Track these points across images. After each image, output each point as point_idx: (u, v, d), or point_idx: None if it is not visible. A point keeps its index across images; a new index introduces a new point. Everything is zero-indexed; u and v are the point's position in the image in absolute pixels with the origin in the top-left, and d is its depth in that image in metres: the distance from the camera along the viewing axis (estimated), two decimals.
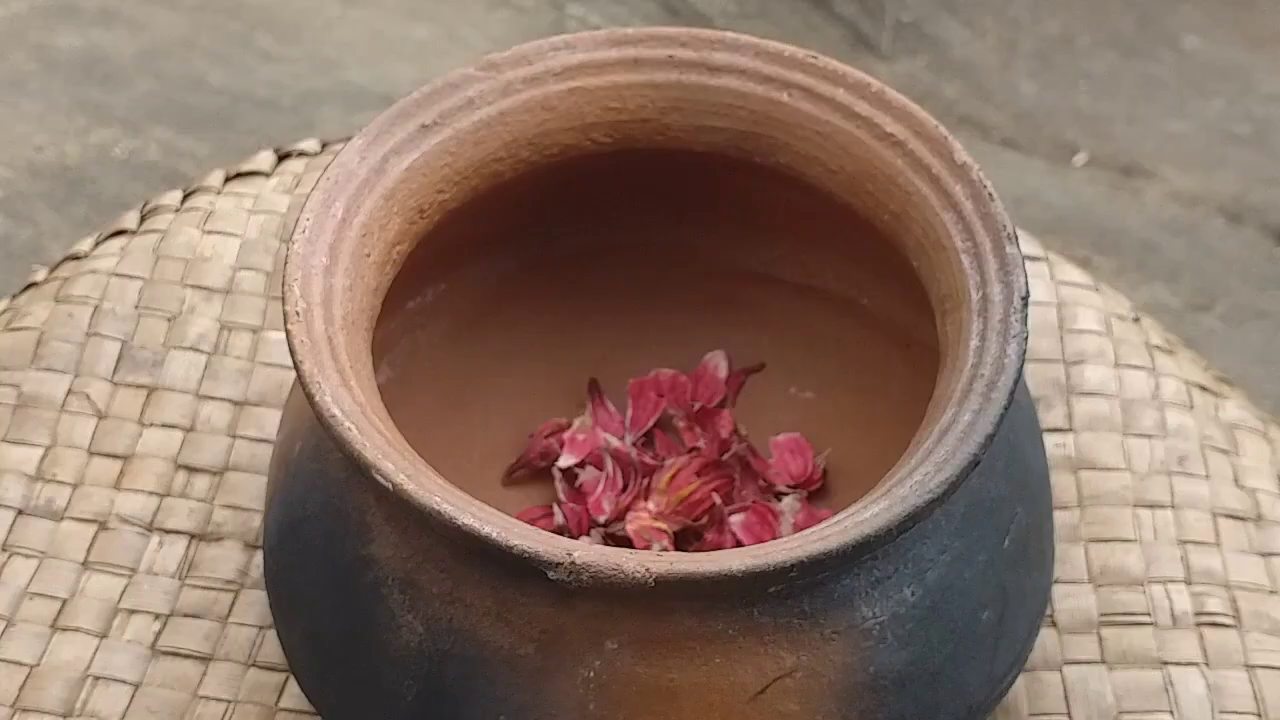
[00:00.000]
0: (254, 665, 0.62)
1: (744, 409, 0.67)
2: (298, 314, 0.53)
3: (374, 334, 0.56)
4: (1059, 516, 0.65)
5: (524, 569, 0.49)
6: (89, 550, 0.64)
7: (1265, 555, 0.66)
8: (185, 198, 0.75)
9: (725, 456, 0.65)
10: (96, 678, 0.61)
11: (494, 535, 0.48)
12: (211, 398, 0.68)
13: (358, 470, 0.50)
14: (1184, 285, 1.30)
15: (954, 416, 0.52)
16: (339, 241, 0.55)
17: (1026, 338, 0.53)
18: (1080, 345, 0.71)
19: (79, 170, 1.28)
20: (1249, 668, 0.63)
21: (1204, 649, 0.63)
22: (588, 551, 0.48)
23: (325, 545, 0.54)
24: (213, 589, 0.63)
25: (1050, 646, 0.63)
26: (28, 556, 0.64)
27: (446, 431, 0.65)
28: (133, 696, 0.61)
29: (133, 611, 0.63)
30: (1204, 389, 0.71)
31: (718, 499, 0.64)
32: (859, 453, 0.65)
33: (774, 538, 0.62)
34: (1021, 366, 0.53)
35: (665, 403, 0.67)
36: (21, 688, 0.61)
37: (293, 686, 0.61)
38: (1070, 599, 0.64)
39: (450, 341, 0.66)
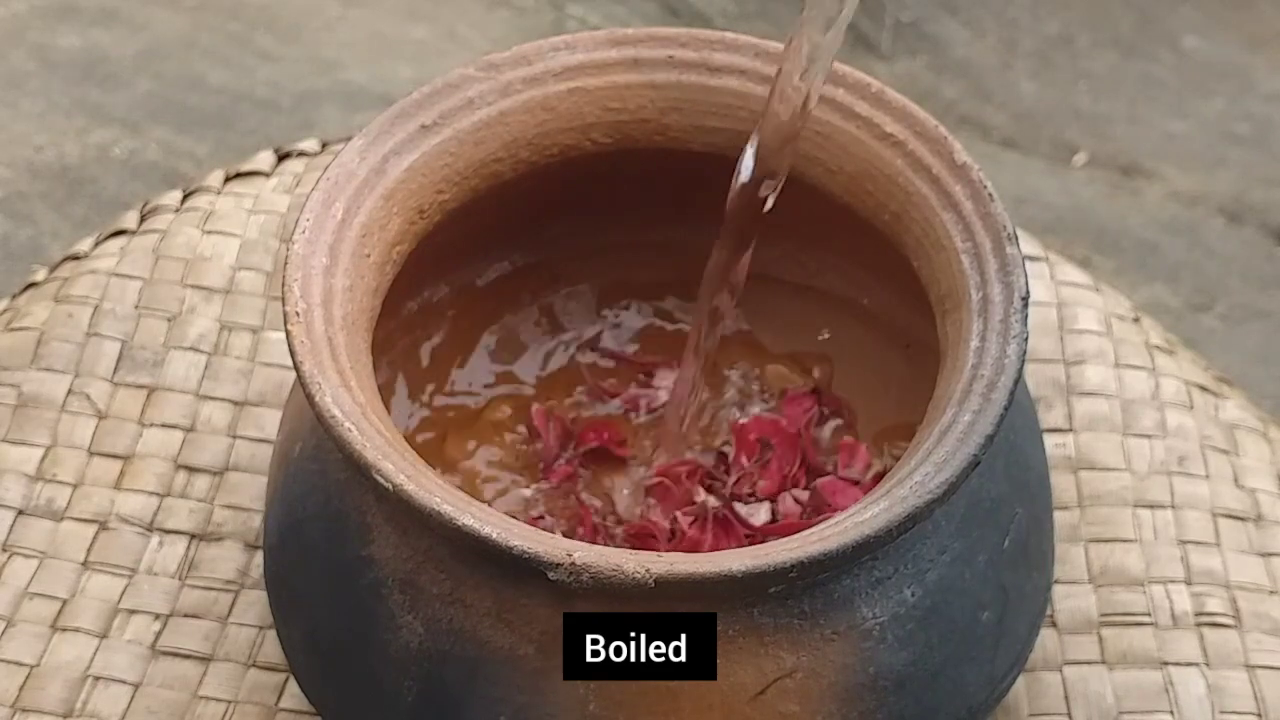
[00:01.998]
0: (254, 665, 0.62)
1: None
2: (298, 314, 0.53)
3: (374, 334, 0.56)
4: (1059, 516, 0.65)
5: (524, 569, 0.49)
6: (89, 550, 0.64)
7: (1265, 555, 0.66)
8: (185, 198, 0.75)
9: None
10: (96, 678, 0.61)
11: (494, 536, 0.48)
12: (211, 398, 0.68)
13: (358, 471, 0.50)
14: (1184, 285, 1.30)
15: (954, 417, 0.52)
16: (339, 242, 0.55)
17: (1027, 338, 0.53)
18: (1080, 345, 0.71)
19: (79, 170, 1.28)
20: (1249, 668, 0.63)
21: (1204, 649, 0.63)
22: (588, 552, 0.48)
23: (325, 546, 0.54)
24: (213, 589, 0.63)
25: (1050, 647, 0.63)
26: (28, 556, 0.64)
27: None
28: (133, 697, 0.61)
29: (133, 611, 0.63)
30: (1204, 389, 0.71)
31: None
32: None
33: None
34: (1022, 367, 0.52)
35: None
36: (22, 688, 0.61)
37: (293, 687, 0.61)
38: (1070, 599, 0.64)
39: (450, 341, 0.66)
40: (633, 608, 0.49)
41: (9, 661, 0.61)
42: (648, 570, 0.48)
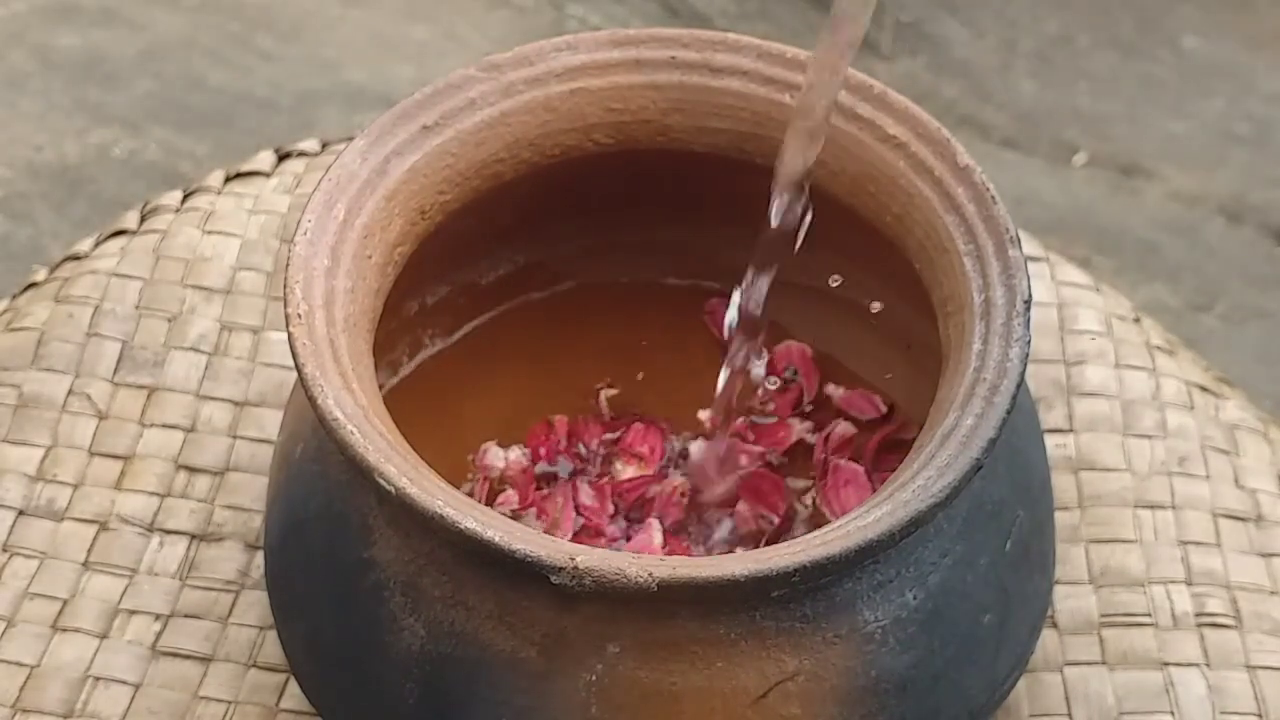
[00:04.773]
0: (254, 666, 0.62)
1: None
2: (299, 316, 0.53)
3: (375, 335, 0.56)
4: (1059, 517, 0.65)
5: (526, 573, 0.49)
6: (89, 551, 0.64)
7: (1266, 556, 0.66)
8: (185, 198, 0.75)
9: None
10: (97, 678, 0.61)
11: (496, 539, 0.48)
12: (212, 398, 0.68)
13: (360, 473, 0.50)
14: (1184, 285, 1.30)
15: (956, 420, 0.52)
16: (341, 243, 0.55)
17: (1029, 341, 0.53)
18: (1081, 346, 0.71)
19: (79, 170, 1.28)
20: (1250, 668, 0.63)
21: (1205, 649, 0.63)
22: (590, 555, 0.48)
23: (326, 547, 0.54)
24: (213, 589, 0.63)
25: (1051, 647, 0.63)
26: (28, 557, 0.64)
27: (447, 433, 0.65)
28: (133, 697, 0.61)
29: (133, 612, 0.63)
30: (1204, 389, 0.71)
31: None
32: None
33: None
34: (1024, 370, 0.52)
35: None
36: (22, 688, 0.61)
37: (293, 687, 0.61)
38: (1071, 600, 0.64)
39: (450, 342, 0.66)
40: (635, 611, 0.50)
41: (9, 662, 0.61)
42: (650, 574, 0.48)
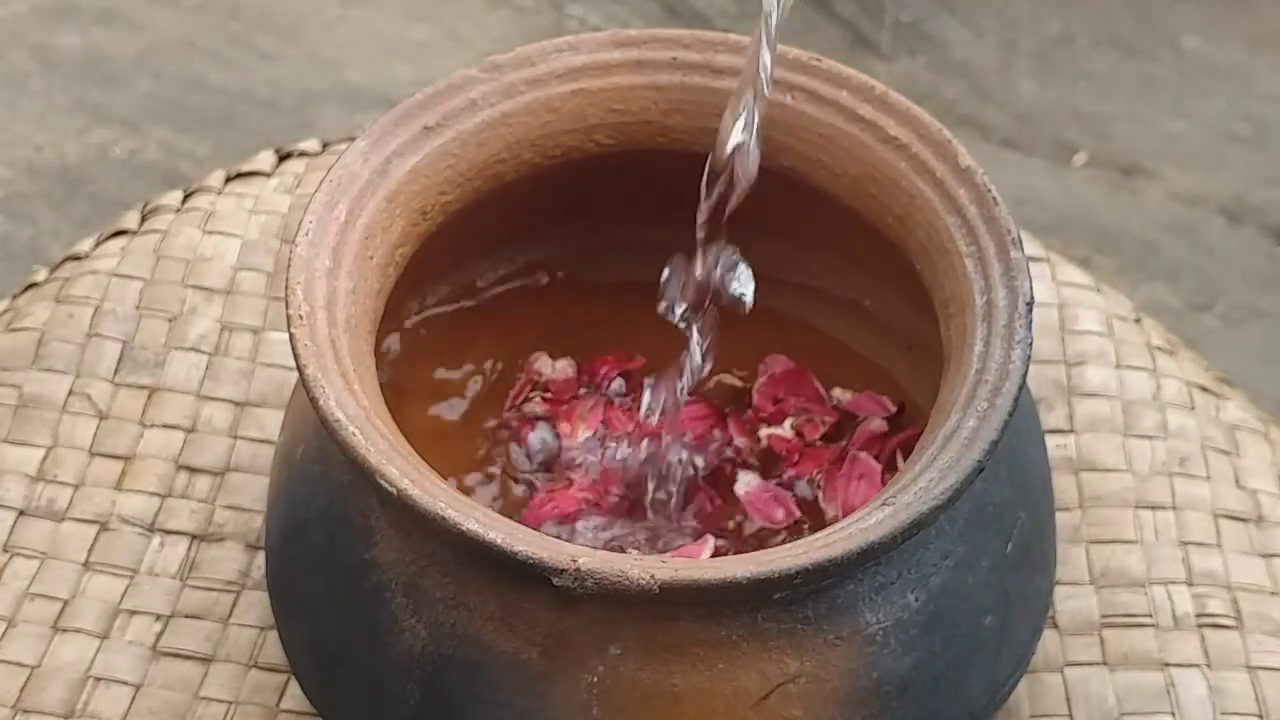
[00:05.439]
0: (255, 666, 0.62)
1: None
2: (301, 317, 0.53)
3: (376, 335, 0.56)
4: (1060, 518, 0.65)
5: (528, 574, 0.49)
6: (90, 551, 0.64)
7: (1266, 556, 0.66)
8: (186, 198, 0.75)
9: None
10: (97, 679, 0.61)
11: (498, 541, 0.48)
12: (213, 398, 0.68)
13: (362, 474, 0.50)
14: (1184, 285, 1.30)
15: (958, 422, 0.52)
16: (342, 244, 0.56)
17: (1031, 343, 0.53)
18: (1081, 346, 0.71)
19: (79, 170, 1.28)
20: (1250, 669, 0.63)
21: (1205, 650, 0.63)
22: (592, 558, 0.48)
23: (328, 548, 0.54)
24: (214, 590, 0.63)
25: (1052, 648, 0.63)
26: (29, 557, 0.64)
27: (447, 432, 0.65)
28: (134, 697, 0.61)
29: (134, 612, 0.63)
30: (1205, 390, 0.71)
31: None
32: None
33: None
34: (1026, 372, 0.52)
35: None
36: (23, 689, 0.61)
37: (294, 688, 0.61)
38: (1071, 600, 0.64)
39: (451, 342, 0.66)
40: (636, 613, 0.50)
41: (10, 662, 0.61)
42: (653, 576, 0.48)
